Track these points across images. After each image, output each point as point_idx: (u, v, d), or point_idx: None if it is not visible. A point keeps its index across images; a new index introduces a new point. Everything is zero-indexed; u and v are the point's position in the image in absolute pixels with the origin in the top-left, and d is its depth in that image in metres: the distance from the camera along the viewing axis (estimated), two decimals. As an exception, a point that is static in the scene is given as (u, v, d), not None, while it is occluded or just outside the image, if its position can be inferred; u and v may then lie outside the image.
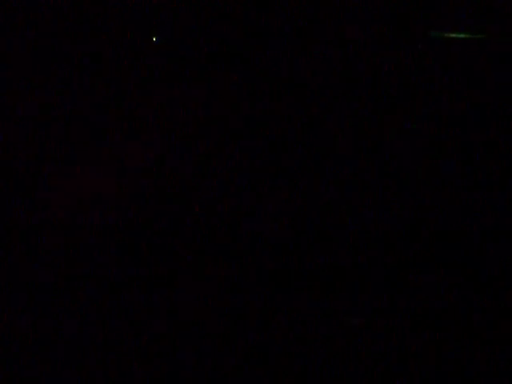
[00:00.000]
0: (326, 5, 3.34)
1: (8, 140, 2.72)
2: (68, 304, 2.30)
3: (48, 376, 2.14)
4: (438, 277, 2.61)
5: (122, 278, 2.45)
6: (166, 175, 2.83)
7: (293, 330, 2.33)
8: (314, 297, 2.47)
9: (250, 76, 3.13)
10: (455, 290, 2.56)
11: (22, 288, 2.34)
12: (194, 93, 3.06)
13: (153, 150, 2.89)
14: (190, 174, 2.86)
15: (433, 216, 2.88)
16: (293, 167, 2.88)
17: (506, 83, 3.69)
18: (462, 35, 3.64)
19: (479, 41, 3.70)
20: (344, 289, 2.49)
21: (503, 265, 2.61)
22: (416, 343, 2.32)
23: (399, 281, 2.58)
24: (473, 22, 3.65)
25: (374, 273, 2.61)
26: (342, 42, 3.29)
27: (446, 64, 3.52)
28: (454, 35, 3.55)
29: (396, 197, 2.92)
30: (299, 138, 2.97)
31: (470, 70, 3.49)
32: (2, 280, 2.36)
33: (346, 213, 2.80)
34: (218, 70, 3.16)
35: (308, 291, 2.48)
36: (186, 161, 2.92)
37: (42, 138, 2.76)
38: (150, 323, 2.27)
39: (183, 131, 2.95)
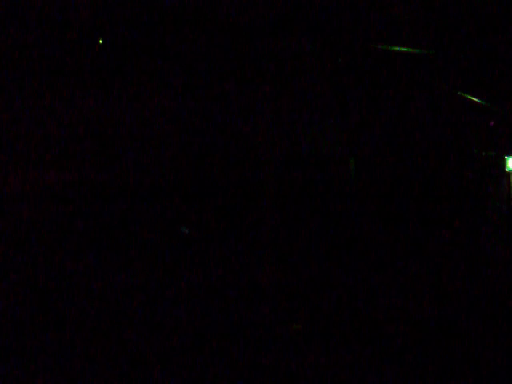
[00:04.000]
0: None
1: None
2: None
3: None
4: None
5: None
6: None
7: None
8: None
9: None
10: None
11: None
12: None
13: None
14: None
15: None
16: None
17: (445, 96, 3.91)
18: (406, 49, 3.84)
19: (426, 56, 3.92)
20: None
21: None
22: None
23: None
24: (422, 37, 3.87)
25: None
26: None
27: (389, 76, 3.72)
28: (398, 49, 3.75)
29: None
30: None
31: (410, 83, 3.70)
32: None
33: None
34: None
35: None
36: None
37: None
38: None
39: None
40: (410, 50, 3.97)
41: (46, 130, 2.99)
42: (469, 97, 5.30)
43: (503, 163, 6.12)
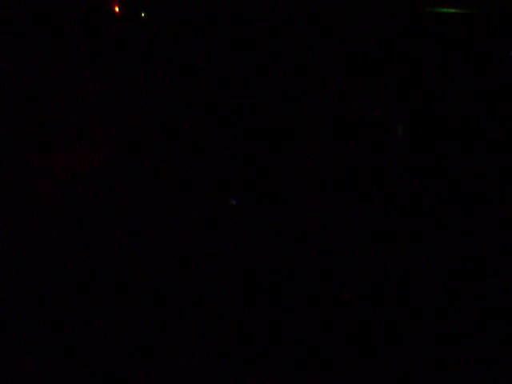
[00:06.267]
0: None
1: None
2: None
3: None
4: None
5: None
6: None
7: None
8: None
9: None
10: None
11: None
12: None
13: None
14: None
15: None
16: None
17: (495, 58, 3.72)
18: (453, 10, 3.70)
19: (471, 16, 3.74)
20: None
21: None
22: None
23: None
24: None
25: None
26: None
27: (438, 38, 3.58)
28: (445, 10, 3.61)
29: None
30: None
31: (461, 45, 3.54)
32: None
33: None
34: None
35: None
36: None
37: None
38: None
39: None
40: (458, 10, 3.81)
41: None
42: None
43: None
